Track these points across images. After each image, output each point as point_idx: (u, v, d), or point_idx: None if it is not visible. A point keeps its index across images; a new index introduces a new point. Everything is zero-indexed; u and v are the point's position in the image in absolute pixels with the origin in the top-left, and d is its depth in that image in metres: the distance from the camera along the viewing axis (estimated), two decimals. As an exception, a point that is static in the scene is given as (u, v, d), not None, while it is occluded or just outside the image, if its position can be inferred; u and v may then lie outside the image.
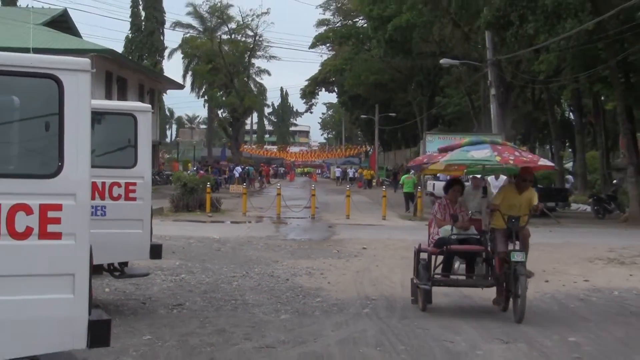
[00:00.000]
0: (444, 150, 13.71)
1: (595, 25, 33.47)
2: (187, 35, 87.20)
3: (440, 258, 13.48)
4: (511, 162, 12.60)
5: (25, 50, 8.75)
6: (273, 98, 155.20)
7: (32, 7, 52.10)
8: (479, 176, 16.95)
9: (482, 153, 12.66)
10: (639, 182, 36.31)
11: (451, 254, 13.54)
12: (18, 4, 67.87)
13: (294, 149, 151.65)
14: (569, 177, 49.76)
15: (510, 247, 13.09)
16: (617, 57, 36.25)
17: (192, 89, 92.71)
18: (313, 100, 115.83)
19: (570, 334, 11.88)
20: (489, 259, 13.49)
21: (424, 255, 13.75)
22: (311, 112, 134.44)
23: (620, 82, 38.12)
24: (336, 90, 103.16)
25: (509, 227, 12.91)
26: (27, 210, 6.80)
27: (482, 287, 13.91)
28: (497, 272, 13.15)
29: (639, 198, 35.97)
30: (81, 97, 7.01)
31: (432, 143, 39.49)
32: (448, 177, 21.84)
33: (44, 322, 6.89)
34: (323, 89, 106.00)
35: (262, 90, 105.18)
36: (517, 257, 12.56)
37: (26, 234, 6.80)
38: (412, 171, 48.09)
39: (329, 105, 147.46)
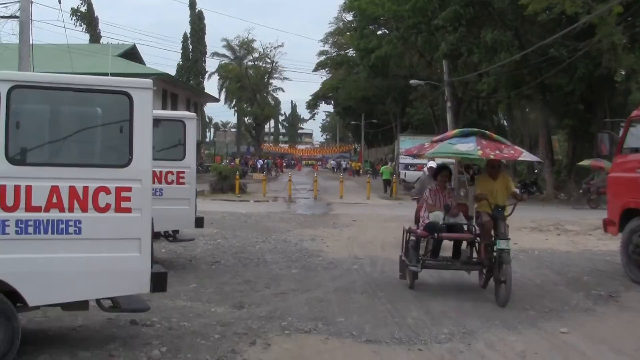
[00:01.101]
0: (436, 141, 11.40)
1: (521, 57, 33.88)
2: (222, 62, 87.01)
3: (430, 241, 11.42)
4: (492, 156, 10.48)
5: (105, 74, 8.80)
6: (286, 108, 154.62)
7: (110, 43, 52.03)
8: (434, 166, 14.92)
9: (465, 146, 10.46)
10: (552, 172, 37.02)
11: (440, 240, 11.18)
12: (101, 41, 67.73)
13: (301, 147, 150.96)
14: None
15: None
16: (537, 80, 36.64)
17: (225, 102, 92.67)
18: (315, 110, 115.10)
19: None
20: (475, 244, 11.25)
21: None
22: (314, 119, 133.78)
23: (539, 99, 38.50)
24: (333, 103, 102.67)
25: (495, 215, 10.62)
26: (107, 191, 6.87)
27: (468, 271, 11.60)
28: (482, 256, 10.87)
29: (552, 183, 36.88)
30: (145, 108, 7.05)
31: (404, 142, 39.68)
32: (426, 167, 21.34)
33: (119, 273, 6.95)
34: (323, 102, 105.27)
35: (277, 102, 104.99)
36: (502, 244, 10.32)
37: (106, 208, 6.86)
38: (389, 162, 48.08)
39: (328, 114, 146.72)
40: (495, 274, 10.47)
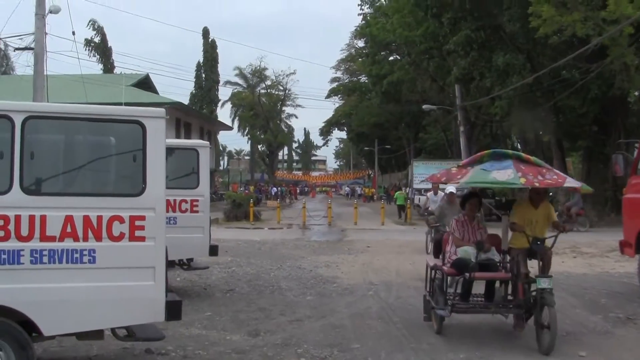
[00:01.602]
0: (465, 166, 9.66)
1: (533, 80, 33.96)
2: (235, 90, 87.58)
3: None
4: (536, 184, 8.85)
5: (119, 104, 8.87)
6: (299, 135, 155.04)
7: (124, 72, 52.55)
8: (454, 191, 14.93)
9: (504, 174, 8.84)
10: (567, 193, 36.75)
11: (472, 280, 9.51)
12: (114, 71, 68.48)
13: (314, 174, 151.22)
14: None
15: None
16: (549, 103, 36.59)
17: (239, 129, 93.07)
18: (328, 137, 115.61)
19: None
20: (513, 284, 9.59)
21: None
22: (327, 146, 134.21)
23: (552, 121, 38.45)
24: (346, 129, 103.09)
25: (533, 250, 9.22)
26: (121, 220, 6.89)
27: (504, 314, 9.92)
28: (520, 297, 9.33)
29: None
30: (158, 137, 7.08)
31: (418, 167, 39.61)
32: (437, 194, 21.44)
33: (134, 301, 6.95)
34: (336, 128, 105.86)
35: (290, 130, 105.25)
36: (543, 283, 8.87)
37: (120, 237, 6.88)
38: (404, 188, 47.97)
39: (341, 140, 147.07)
40: (536, 317, 8.96)
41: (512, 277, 9.51)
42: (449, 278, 9.89)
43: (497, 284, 9.87)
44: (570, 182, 9.30)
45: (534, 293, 9.12)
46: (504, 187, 9.27)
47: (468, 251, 9.53)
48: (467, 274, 9.32)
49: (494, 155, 9.45)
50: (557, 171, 9.50)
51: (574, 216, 29.28)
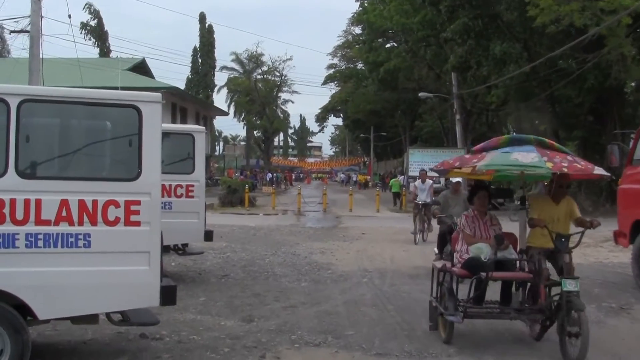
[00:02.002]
0: (479, 151, 8.62)
1: (530, 69, 34.00)
2: (231, 75, 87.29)
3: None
4: (565, 169, 7.97)
5: (115, 88, 8.85)
6: (295, 122, 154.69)
7: (120, 57, 52.35)
8: (459, 180, 14.47)
9: (528, 157, 7.89)
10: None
11: (487, 281, 8.36)
12: (110, 55, 68.25)
13: (310, 160, 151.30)
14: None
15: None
16: (546, 92, 36.61)
17: (235, 115, 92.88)
18: (324, 123, 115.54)
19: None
20: (535, 285, 8.49)
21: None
22: (323, 132, 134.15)
23: (548, 111, 38.44)
24: (342, 116, 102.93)
25: (558, 248, 8.17)
26: (116, 204, 6.88)
27: (525, 321, 8.91)
28: (542, 301, 8.33)
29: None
30: (154, 122, 7.06)
31: (414, 155, 39.43)
32: (425, 181, 21.66)
33: (128, 286, 6.95)
34: (332, 115, 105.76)
35: (286, 116, 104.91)
36: (569, 285, 7.84)
37: (115, 221, 6.87)
38: (398, 175, 47.97)
39: (337, 127, 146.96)
40: (561, 323, 7.93)
41: (533, 278, 8.48)
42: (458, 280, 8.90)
43: (514, 288, 8.92)
44: (599, 170, 8.34)
45: (555, 297, 8.23)
46: (529, 173, 8.38)
47: (482, 249, 8.55)
48: (482, 274, 8.19)
49: (512, 141, 8.52)
50: (583, 160, 8.64)
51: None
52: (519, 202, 9.39)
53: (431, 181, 21.12)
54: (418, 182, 21.24)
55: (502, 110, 45.82)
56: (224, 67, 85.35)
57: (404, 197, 38.04)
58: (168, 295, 7.22)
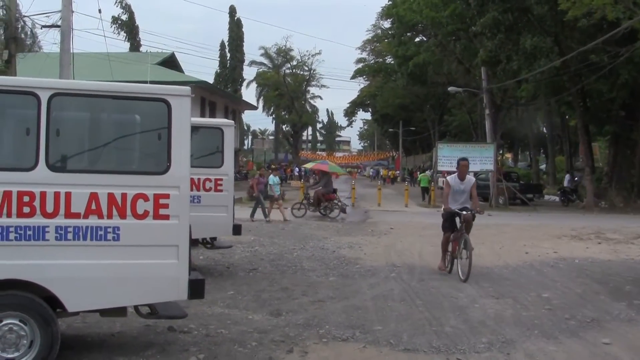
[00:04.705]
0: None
1: (561, 64, 33.65)
2: (260, 70, 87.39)
3: None
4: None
5: (145, 82, 8.88)
6: (323, 116, 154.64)
7: (150, 51, 52.61)
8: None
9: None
10: (593, 179, 36.58)
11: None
12: (140, 49, 68.63)
13: (338, 154, 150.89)
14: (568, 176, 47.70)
15: None
16: (577, 87, 36.29)
17: (263, 109, 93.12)
18: (353, 118, 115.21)
19: (543, 291, 11.81)
20: None
21: None
22: (351, 127, 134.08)
23: (579, 105, 38.13)
24: (370, 110, 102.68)
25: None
26: (145, 198, 6.89)
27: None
28: None
29: (592, 191, 36.18)
30: (184, 115, 7.06)
31: (442, 150, 39.13)
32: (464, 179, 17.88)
33: (157, 279, 6.98)
34: (361, 109, 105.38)
35: (315, 110, 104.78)
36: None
37: (144, 215, 6.89)
38: (428, 170, 47.72)
39: (365, 121, 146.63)
40: None
41: None
42: None
43: None
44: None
45: None
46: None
47: None
48: None
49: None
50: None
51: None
52: None
53: (474, 178, 14.64)
54: (453, 178, 13.64)
55: (532, 104, 45.41)
56: (252, 62, 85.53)
57: (432, 192, 37.87)
58: (196, 289, 7.22)
